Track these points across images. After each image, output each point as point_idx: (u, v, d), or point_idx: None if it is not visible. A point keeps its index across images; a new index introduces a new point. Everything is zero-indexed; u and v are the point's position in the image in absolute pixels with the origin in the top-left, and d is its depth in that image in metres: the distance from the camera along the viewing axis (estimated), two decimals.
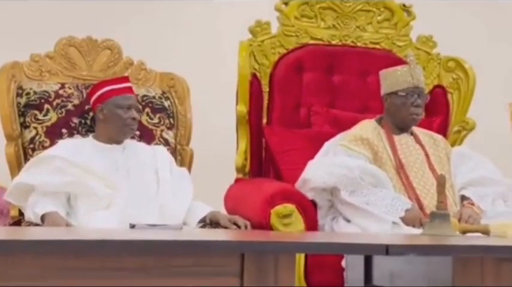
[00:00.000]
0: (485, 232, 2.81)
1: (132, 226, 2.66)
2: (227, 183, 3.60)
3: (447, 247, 2.20)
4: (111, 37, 3.63)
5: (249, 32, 3.76)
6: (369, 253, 2.31)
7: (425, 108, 3.55)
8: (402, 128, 3.45)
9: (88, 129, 3.41)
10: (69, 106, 3.44)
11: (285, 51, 3.80)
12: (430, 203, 3.22)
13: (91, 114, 3.41)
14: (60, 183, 3.11)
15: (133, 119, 3.24)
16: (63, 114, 3.42)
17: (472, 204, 3.32)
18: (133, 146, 3.33)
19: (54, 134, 3.39)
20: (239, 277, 2.05)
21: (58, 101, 3.43)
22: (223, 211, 3.42)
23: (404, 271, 2.41)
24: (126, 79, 3.38)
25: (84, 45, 3.59)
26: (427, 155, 3.40)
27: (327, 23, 3.86)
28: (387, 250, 2.06)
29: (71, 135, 3.40)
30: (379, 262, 2.57)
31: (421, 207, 3.24)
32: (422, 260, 2.29)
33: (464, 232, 2.85)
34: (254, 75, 3.72)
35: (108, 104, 3.26)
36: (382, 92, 3.49)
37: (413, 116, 3.40)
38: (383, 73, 3.50)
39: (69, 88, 3.48)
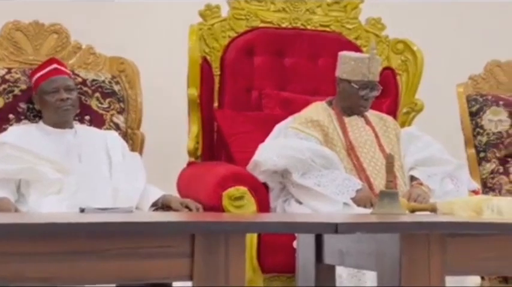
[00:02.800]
0: (433, 210, 2.85)
1: (82, 210, 2.65)
2: (179, 167, 3.60)
3: (394, 224, 2.23)
4: (58, 21, 3.59)
5: (199, 15, 3.76)
6: (318, 231, 2.33)
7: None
8: (351, 111, 3.48)
9: (36, 114, 3.37)
10: (16, 91, 3.40)
11: (235, 34, 3.80)
12: (380, 183, 3.26)
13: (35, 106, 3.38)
14: (10, 170, 3.08)
15: (62, 100, 3.21)
16: (10, 99, 3.38)
17: (421, 184, 3.37)
18: (85, 131, 3.32)
19: (1, 119, 3.35)
20: (190, 258, 2.06)
21: (4, 86, 3.39)
22: (176, 195, 3.42)
23: (353, 249, 2.44)
24: (50, 61, 3.33)
25: (30, 30, 3.54)
26: (376, 136, 3.44)
27: (276, 6, 3.88)
28: (336, 228, 2.08)
29: (18, 120, 3.37)
30: (329, 241, 2.59)
31: (371, 187, 3.28)
32: (371, 238, 2.31)
33: (413, 211, 2.90)
34: (205, 59, 3.72)
35: (38, 93, 3.26)
36: (337, 73, 3.50)
37: (360, 108, 3.45)
38: (342, 56, 3.49)
39: (16, 73, 3.44)
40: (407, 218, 2.51)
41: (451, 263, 2.24)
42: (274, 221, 2.18)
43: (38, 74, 3.28)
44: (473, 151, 3.95)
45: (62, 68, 3.31)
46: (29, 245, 1.98)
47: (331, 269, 2.70)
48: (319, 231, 2.31)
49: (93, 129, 3.38)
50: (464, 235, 2.25)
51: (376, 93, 3.46)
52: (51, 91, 3.22)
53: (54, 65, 3.29)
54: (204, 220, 2.18)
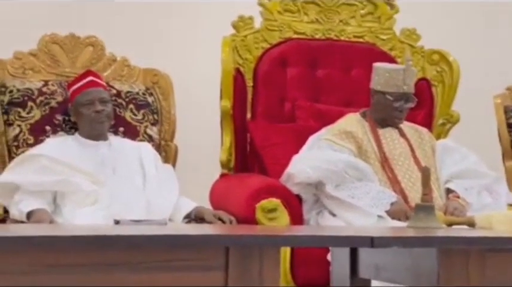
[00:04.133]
0: (471, 224, 2.81)
1: (117, 222, 2.65)
2: (212, 178, 3.59)
3: (431, 238, 2.19)
4: (93, 34, 3.61)
5: (232, 27, 3.75)
6: (354, 245, 2.31)
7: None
8: (385, 123, 3.45)
9: (72, 126, 3.39)
10: (53, 103, 3.42)
11: (268, 46, 3.79)
12: (415, 196, 3.22)
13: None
14: (47, 182, 3.10)
15: (97, 112, 3.22)
16: (47, 111, 3.41)
17: (458, 197, 3.32)
18: (119, 143, 3.33)
19: (38, 131, 3.38)
20: (224, 271, 2.04)
21: (41, 98, 3.42)
22: (209, 207, 3.41)
23: (389, 263, 2.41)
24: (86, 74, 3.35)
25: (67, 42, 3.57)
26: (411, 148, 3.40)
27: (310, 17, 3.86)
28: (372, 242, 2.05)
29: (54, 132, 3.39)
30: (365, 255, 2.56)
31: (406, 200, 3.24)
32: (407, 253, 2.28)
33: (449, 225, 2.85)
34: (238, 70, 3.71)
35: (74, 105, 3.28)
36: (371, 85, 3.47)
37: (394, 120, 3.42)
38: (376, 67, 3.46)
39: (53, 85, 3.47)
40: (445, 232, 2.47)
41: (490, 279, 2.20)
42: (309, 234, 2.15)
43: (74, 87, 3.30)
44: (511, 163, 3.89)
45: (98, 80, 3.32)
46: (65, 256, 1.99)
47: (367, 283, 2.66)
48: (355, 245, 2.28)
49: (127, 141, 3.38)
50: (504, 250, 2.21)
51: (411, 105, 3.42)
52: (86, 103, 3.24)
53: (90, 78, 3.31)
54: (238, 233, 2.16)
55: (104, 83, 3.38)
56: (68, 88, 3.36)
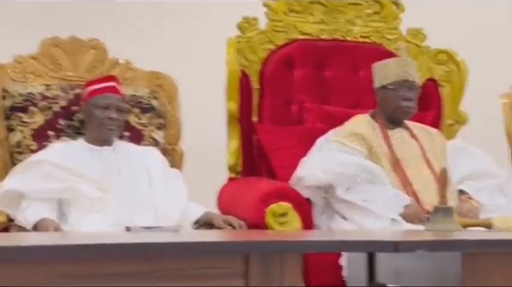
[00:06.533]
0: (488, 225, 2.75)
1: (128, 229, 2.58)
2: (219, 183, 3.53)
3: (457, 242, 2.14)
4: (96, 37, 3.54)
5: (237, 28, 3.69)
6: (378, 250, 2.25)
7: (418, 102, 3.50)
8: (395, 121, 3.39)
9: (76, 131, 3.33)
10: (56, 108, 3.35)
11: (274, 47, 3.73)
12: (427, 198, 3.17)
13: (78, 115, 3.33)
14: (51, 189, 3.04)
15: (110, 118, 3.16)
16: (50, 116, 3.34)
17: (470, 198, 3.28)
18: (124, 147, 3.26)
19: (41, 136, 3.31)
20: (244, 278, 1.98)
21: (44, 103, 3.35)
22: (217, 212, 3.35)
23: (409, 267, 2.35)
24: (110, 78, 3.30)
25: (68, 45, 3.50)
26: (422, 150, 3.35)
27: (315, 17, 3.80)
28: (396, 246, 1.99)
29: (58, 137, 3.32)
30: (382, 260, 2.51)
31: (418, 203, 3.18)
32: (429, 257, 2.22)
33: (465, 226, 2.80)
34: (243, 72, 3.65)
35: (88, 104, 3.21)
36: (375, 85, 3.44)
37: (403, 109, 3.34)
38: (375, 66, 3.45)
39: (55, 89, 3.40)
40: (469, 235, 2.42)
41: None
42: (331, 239, 2.09)
43: (95, 86, 3.23)
44: None
45: (119, 88, 3.27)
46: (76, 266, 1.92)
47: None
48: (379, 249, 2.22)
49: (132, 146, 3.32)
50: None
51: (416, 92, 3.35)
52: (102, 106, 3.17)
53: (113, 83, 3.26)
54: (259, 240, 2.10)
55: (123, 94, 3.32)
56: (87, 85, 3.27)
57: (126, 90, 3.45)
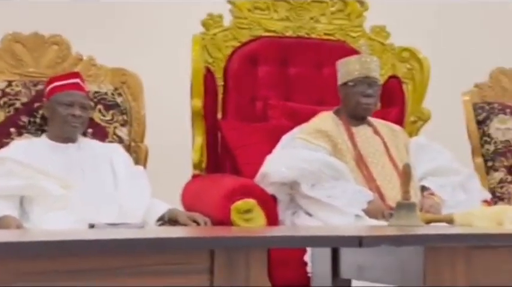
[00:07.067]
0: (450, 221, 2.79)
1: (92, 226, 2.57)
2: (184, 180, 3.52)
3: (420, 236, 2.16)
4: (59, 33, 3.51)
5: (201, 25, 3.69)
6: (342, 245, 2.26)
7: (381, 99, 3.53)
8: (357, 118, 3.41)
9: (38, 128, 3.29)
10: (17, 104, 3.32)
11: (238, 44, 3.74)
12: (391, 194, 3.20)
13: (40, 112, 3.30)
14: (13, 186, 3.00)
15: (74, 116, 3.13)
16: (11, 113, 3.30)
17: (432, 194, 3.31)
18: (88, 144, 3.23)
19: (2, 134, 3.27)
20: (209, 274, 1.98)
21: (5, 99, 3.31)
22: (181, 208, 3.34)
23: (373, 262, 2.37)
24: (74, 75, 3.27)
25: (30, 41, 3.46)
26: (386, 146, 3.37)
27: (280, 14, 3.81)
28: (360, 241, 2.01)
29: (20, 134, 3.28)
30: (347, 255, 2.52)
31: (382, 199, 3.21)
32: (392, 251, 2.24)
33: (428, 222, 2.83)
34: (208, 69, 3.65)
35: (51, 101, 3.18)
36: (338, 82, 3.46)
37: (363, 106, 3.37)
38: (338, 63, 3.48)
39: (17, 86, 3.35)
40: (432, 230, 2.44)
41: (476, 277, 2.17)
42: (296, 235, 2.10)
43: (58, 83, 3.20)
44: (480, 160, 3.90)
45: (83, 85, 3.24)
46: (38, 263, 1.90)
47: (347, 283, 2.62)
48: (343, 244, 2.23)
49: (96, 143, 3.29)
50: (488, 247, 2.19)
51: (376, 89, 3.37)
52: (66, 103, 3.14)
53: (77, 80, 3.22)
54: (223, 235, 2.10)
55: (87, 91, 3.29)
56: (50, 82, 3.24)
57: (90, 87, 3.42)
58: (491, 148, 3.90)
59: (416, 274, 2.15)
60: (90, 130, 3.35)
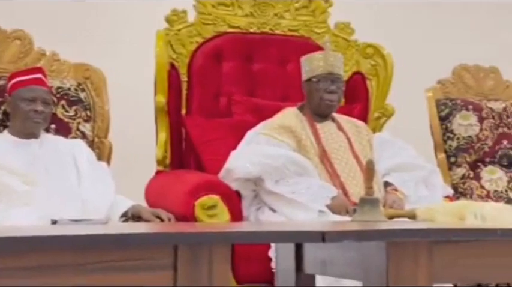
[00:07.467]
0: (412, 216, 2.81)
1: (54, 222, 2.55)
2: (148, 176, 3.50)
3: (383, 231, 2.17)
4: (21, 28, 3.48)
5: (165, 21, 3.67)
6: (305, 240, 2.26)
7: (345, 95, 3.55)
8: (321, 114, 3.43)
9: (0, 123, 3.26)
10: None
11: (202, 40, 3.73)
12: (354, 190, 3.22)
13: (2, 108, 3.27)
14: None
15: (36, 111, 3.11)
16: None
17: (396, 189, 3.33)
18: (50, 140, 3.20)
19: None
20: (173, 270, 1.98)
21: None
22: (145, 205, 3.32)
23: (336, 258, 2.38)
24: (36, 70, 3.24)
25: None
26: (349, 142, 3.39)
27: (244, 10, 3.81)
28: (323, 237, 2.01)
29: None
30: (310, 250, 2.53)
31: (346, 194, 3.22)
32: (355, 246, 2.26)
33: (391, 218, 2.85)
34: (172, 65, 3.64)
35: (13, 97, 3.15)
36: (302, 79, 3.47)
37: (326, 102, 3.38)
38: (302, 60, 3.49)
39: None
40: (395, 225, 2.46)
41: (438, 271, 2.19)
42: (260, 230, 2.10)
43: (20, 78, 3.16)
44: (443, 155, 3.93)
45: (45, 80, 3.21)
46: (1, 259, 1.88)
47: (311, 278, 2.63)
48: (306, 240, 2.23)
49: (59, 139, 3.27)
50: (451, 242, 2.21)
51: (339, 85, 3.39)
52: (28, 99, 3.11)
53: (39, 75, 3.19)
54: (187, 231, 2.09)
55: (50, 85, 3.26)
56: (11, 77, 3.21)
57: (53, 83, 3.40)
58: (454, 143, 3.94)
59: (379, 269, 2.16)
60: (53, 126, 3.33)
